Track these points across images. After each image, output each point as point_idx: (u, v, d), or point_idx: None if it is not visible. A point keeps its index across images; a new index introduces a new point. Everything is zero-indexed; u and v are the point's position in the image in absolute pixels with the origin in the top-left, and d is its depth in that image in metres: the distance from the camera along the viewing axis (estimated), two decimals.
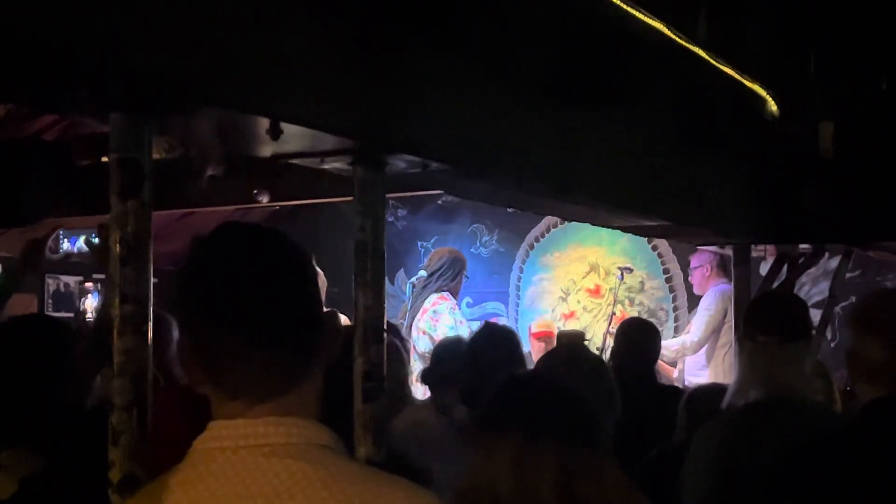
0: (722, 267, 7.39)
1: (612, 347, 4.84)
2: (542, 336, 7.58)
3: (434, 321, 6.48)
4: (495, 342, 3.78)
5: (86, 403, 2.76)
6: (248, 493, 1.40)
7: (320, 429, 1.47)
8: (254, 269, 1.46)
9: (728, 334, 7.14)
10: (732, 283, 5.39)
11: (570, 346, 3.07)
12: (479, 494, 1.89)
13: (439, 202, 9.14)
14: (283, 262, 1.49)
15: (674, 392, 4.99)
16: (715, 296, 7.27)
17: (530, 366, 7.18)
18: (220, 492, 1.41)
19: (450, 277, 6.73)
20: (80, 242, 7.72)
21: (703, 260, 7.47)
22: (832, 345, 7.06)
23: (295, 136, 2.24)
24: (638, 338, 4.72)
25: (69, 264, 8.30)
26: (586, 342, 3.17)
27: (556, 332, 7.72)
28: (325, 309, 1.57)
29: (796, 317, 3.22)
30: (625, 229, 4.69)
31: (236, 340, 1.43)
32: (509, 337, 3.92)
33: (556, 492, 1.82)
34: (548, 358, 3.10)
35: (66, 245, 7.86)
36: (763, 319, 3.14)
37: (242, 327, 1.43)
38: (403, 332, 6.10)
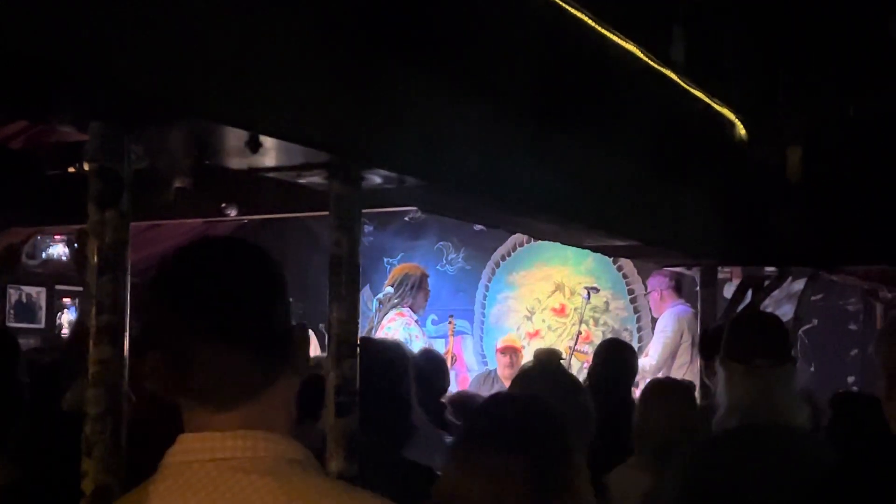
0: (676, 289, 7.48)
1: (590, 367, 4.86)
2: (507, 350, 7.63)
3: (389, 338, 6.54)
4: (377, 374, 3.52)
5: (55, 412, 2.74)
6: None
7: (290, 443, 1.48)
8: (224, 274, 1.48)
9: (685, 355, 7.21)
10: (699, 304, 5.41)
11: (546, 364, 3.06)
12: None
13: (406, 219, 9.15)
14: (254, 270, 1.51)
15: None
16: (670, 318, 7.35)
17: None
18: None
19: (401, 294, 6.81)
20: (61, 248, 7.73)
21: (654, 285, 7.57)
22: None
23: (272, 150, 2.25)
24: (616, 358, 4.74)
25: (32, 275, 8.26)
26: (562, 361, 3.15)
27: (520, 346, 7.80)
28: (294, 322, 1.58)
29: (786, 339, 3.23)
30: (595, 249, 4.72)
31: (204, 344, 1.44)
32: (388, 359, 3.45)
33: None
34: (524, 376, 3.09)
35: (48, 251, 7.88)
36: (759, 342, 3.10)
37: (211, 330, 1.45)
38: None
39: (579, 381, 3.31)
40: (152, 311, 1.51)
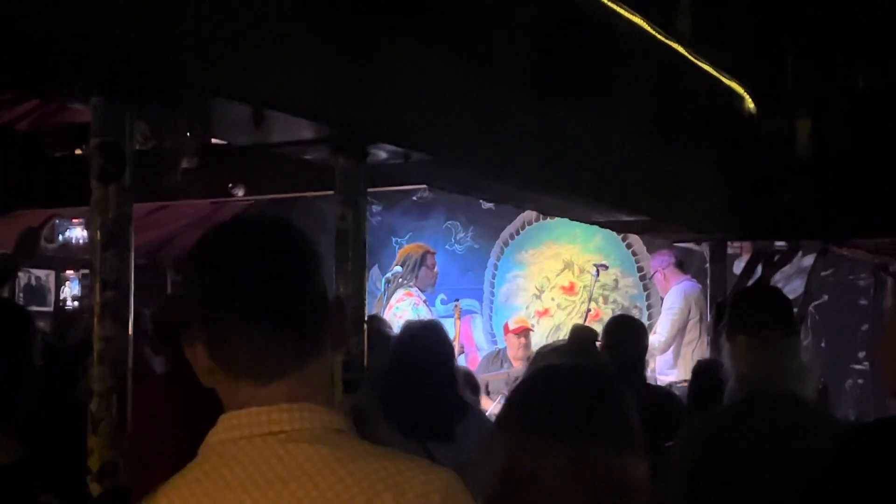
0: (679, 266, 7.47)
1: (601, 344, 4.84)
2: (521, 331, 7.58)
3: (398, 318, 6.55)
4: (417, 346, 3.61)
5: (73, 394, 2.72)
6: (265, 478, 1.40)
7: (333, 414, 1.48)
8: (263, 252, 1.47)
9: (694, 331, 7.19)
10: (709, 280, 5.39)
11: (581, 343, 2.99)
12: (506, 486, 1.83)
13: (414, 198, 9.13)
14: (293, 248, 1.51)
15: (660, 389, 5.04)
16: (677, 294, 7.33)
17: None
18: (235, 480, 1.40)
19: (404, 274, 6.84)
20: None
21: (656, 265, 7.57)
22: (804, 343, 7.11)
23: (277, 125, 2.23)
24: (626, 335, 4.71)
25: (41, 258, 8.27)
26: (597, 343, 3.09)
27: (530, 325, 7.77)
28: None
29: (790, 311, 3.22)
30: (603, 224, 4.69)
31: (247, 324, 1.44)
32: (434, 336, 3.69)
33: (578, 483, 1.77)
34: (556, 352, 3.05)
35: (66, 234, 7.87)
36: (764, 314, 3.10)
37: (253, 310, 1.44)
38: None
39: (608, 365, 3.29)
40: (192, 289, 1.50)
